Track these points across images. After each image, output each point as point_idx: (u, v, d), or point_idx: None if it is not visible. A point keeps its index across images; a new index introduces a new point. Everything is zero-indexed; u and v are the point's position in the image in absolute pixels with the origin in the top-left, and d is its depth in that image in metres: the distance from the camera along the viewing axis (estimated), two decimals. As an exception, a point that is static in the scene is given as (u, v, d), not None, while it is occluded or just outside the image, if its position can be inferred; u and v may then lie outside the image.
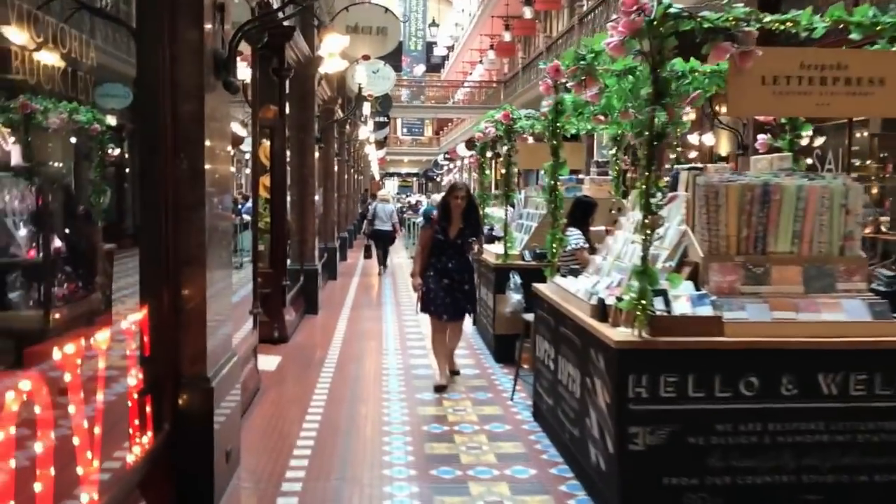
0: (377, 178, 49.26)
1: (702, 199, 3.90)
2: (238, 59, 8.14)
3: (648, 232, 3.53)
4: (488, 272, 7.61)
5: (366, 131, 15.42)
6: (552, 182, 5.25)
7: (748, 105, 3.79)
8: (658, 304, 3.61)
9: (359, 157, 25.54)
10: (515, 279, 7.04)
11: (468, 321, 8.79)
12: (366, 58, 11.57)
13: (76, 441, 2.56)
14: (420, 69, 48.53)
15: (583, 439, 4.16)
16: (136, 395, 3.28)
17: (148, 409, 3.46)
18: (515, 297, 7.00)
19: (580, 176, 7.86)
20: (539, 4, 24.43)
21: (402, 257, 19.47)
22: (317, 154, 9.99)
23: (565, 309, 4.48)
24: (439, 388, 6.17)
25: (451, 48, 49.42)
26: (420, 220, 17.67)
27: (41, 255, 3.15)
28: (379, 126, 22.21)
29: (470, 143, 34.91)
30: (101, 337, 2.79)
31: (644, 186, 3.54)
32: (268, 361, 7.15)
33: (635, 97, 5.21)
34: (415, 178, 64.49)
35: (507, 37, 29.00)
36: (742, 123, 10.61)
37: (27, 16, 3.18)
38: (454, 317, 6.39)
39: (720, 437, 3.57)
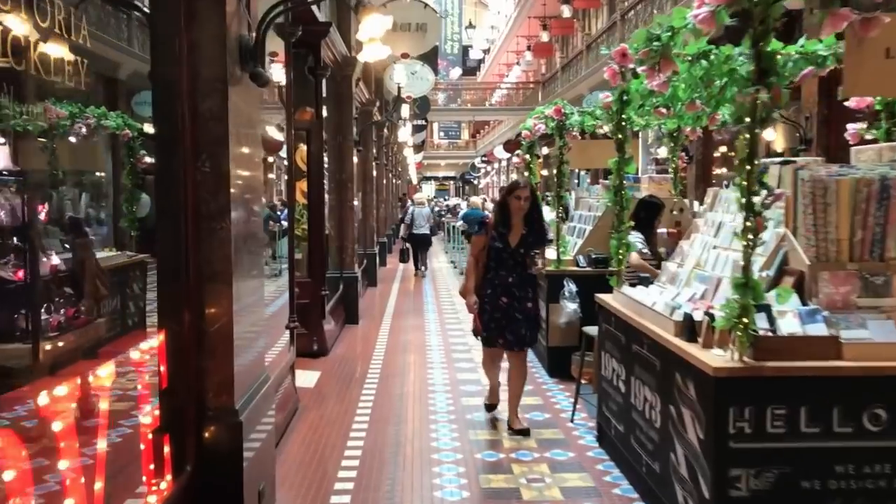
0: (414, 181, 48.94)
1: (807, 197, 3.31)
2: (272, 59, 7.79)
3: (751, 237, 2.96)
4: (540, 279, 7.05)
5: (405, 134, 14.94)
6: (617, 181, 4.69)
7: (869, 83, 3.20)
8: (760, 321, 3.04)
9: (397, 160, 25.15)
10: (570, 287, 6.48)
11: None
12: (405, 56, 11.13)
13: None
14: (456, 72, 48.05)
15: (665, 476, 3.59)
16: (151, 435, 2.82)
17: (166, 449, 3.00)
18: (571, 307, 6.45)
19: (638, 175, 7.28)
20: (578, 3, 23.76)
21: (441, 262, 19.00)
22: (355, 158, 9.56)
23: (639, 324, 3.92)
24: (490, 407, 5.58)
25: (486, 51, 48.85)
26: (459, 223, 17.16)
27: (28, 273, 2.72)
28: (417, 129, 21.78)
29: (510, 145, 34.30)
30: (105, 372, 2.33)
31: (744, 183, 2.98)
32: (306, 377, 6.70)
33: (706, 85, 4.65)
34: (452, 182, 64.09)
35: (544, 37, 28.37)
36: (805, 117, 9.91)
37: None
38: (513, 345, 5.16)
39: (840, 482, 2.99)
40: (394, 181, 28.40)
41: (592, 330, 5.25)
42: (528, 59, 32.31)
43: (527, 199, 5.14)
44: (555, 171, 6.79)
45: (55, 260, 2.91)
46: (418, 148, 30.27)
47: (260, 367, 3.82)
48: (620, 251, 4.69)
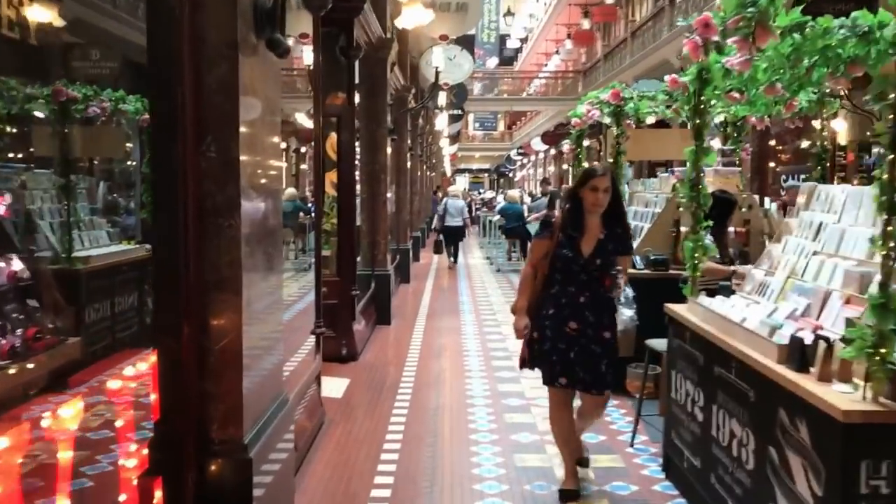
0: (448, 174, 48.32)
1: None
2: (300, 41, 7.24)
3: (894, 244, 2.32)
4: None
5: (441, 122, 14.38)
6: (694, 174, 4.05)
7: None
8: (899, 351, 2.40)
9: (432, 152, 24.59)
10: (626, 291, 5.86)
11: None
12: (444, 38, 10.55)
13: None
14: (493, 62, 47.24)
15: (760, 531, 2.97)
16: (137, 481, 2.29)
17: (159, 493, 2.47)
18: (627, 313, 5.81)
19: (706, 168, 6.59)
20: (621, -12, 22.97)
21: (476, 257, 18.39)
22: (389, 148, 9.00)
23: (725, 344, 3.29)
24: (567, 495, 3.95)
25: (524, 40, 47.96)
26: (496, 217, 16.54)
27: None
28: (453, 119, 21.17)
29: (548, 137, 33.52)
30: (69, 412, 1.79)
31: (886, 175, 2.34)
32: (334, 386, 6.16)
33: (792, 65, 3.99)
34: (486, 174, 63.39)
35: (585, 24, 27.56)
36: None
37: None
38: (590, 387, 3.92)
39: None
40: (428, 173, 27.86)
41: (659, 344, 4.62)
42: (567, 48, 31.48)
43: (606, 191, 3.80)
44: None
45: (16, 265, 2.36)
46: (453, 139, 29.68)
47: (276, 387, 3.27)
48: (696, 255, 4.05)
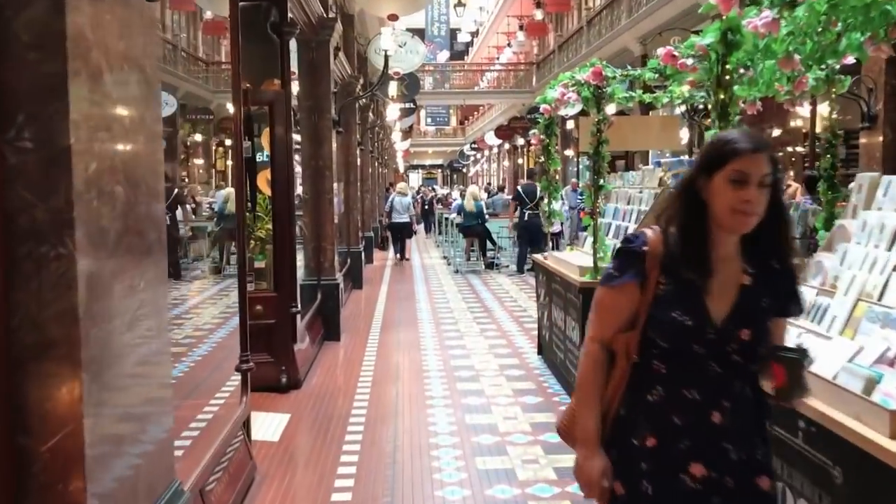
0: (401, 170, 47.27)
1: None
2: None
3: None
4: (571, 294, 5.56)
5: (392, 113, 13.30)
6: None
7: None
8: None
9: (383, 147, 23.55)
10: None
11: (529, 347, 7.01)
12: (393, 18, 9.54)
13: None
14: (444, 56, 46.29)
15: None
16: None
17: None
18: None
19: (691, 158, 5.78)
20: (575, -24, 22.25)
21: (433, 257, 17.45)
22: (334, 141, 8.00)
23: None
24: None
25: (475, 34, 47.13)
26: (453, 215, 15.65)
27: None
28: (405, 113, 20.17)
29: (501, 131, 32.76)
30: None
31: None
32: (270, 425, 5.16)
33: (823, 28, 3.15)
34: (439, 170, 62.53)
35: (538, 15, 26.85)
36: (868, 88, 8.44)
37: None
38: None
39: None
40: (380, 169, 26.79)
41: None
42: (520, 40, 30.74)
43: (765, 184, 1.78)
44: (590, 154, 5.24)
45: None
46: (406, 134, 28.68)
47: (160, 478, 2.28)
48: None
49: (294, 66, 7.82)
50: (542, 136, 6.95)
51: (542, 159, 7.04)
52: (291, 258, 6.05)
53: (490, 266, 14.38)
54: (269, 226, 5.95)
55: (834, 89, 5.11)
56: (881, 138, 8.40)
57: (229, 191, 14.91)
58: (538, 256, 6.98)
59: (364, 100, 12.23)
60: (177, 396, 5.68)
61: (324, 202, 7.82)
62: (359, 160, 12.74)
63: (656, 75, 5.01)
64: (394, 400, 5.89)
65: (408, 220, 15.81)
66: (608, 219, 6.13)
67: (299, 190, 8.21)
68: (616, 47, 16.46)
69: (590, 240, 6.24)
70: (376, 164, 20.23)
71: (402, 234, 15.95)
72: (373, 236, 16.58)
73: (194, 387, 6.16)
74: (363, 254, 12.31)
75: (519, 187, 13.63)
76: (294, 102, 7.37)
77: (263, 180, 6.10)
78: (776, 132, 12.55)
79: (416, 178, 58.68)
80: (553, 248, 14.24)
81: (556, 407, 5.51)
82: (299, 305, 6.37)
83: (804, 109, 11.34)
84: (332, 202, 7.87)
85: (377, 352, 7.52)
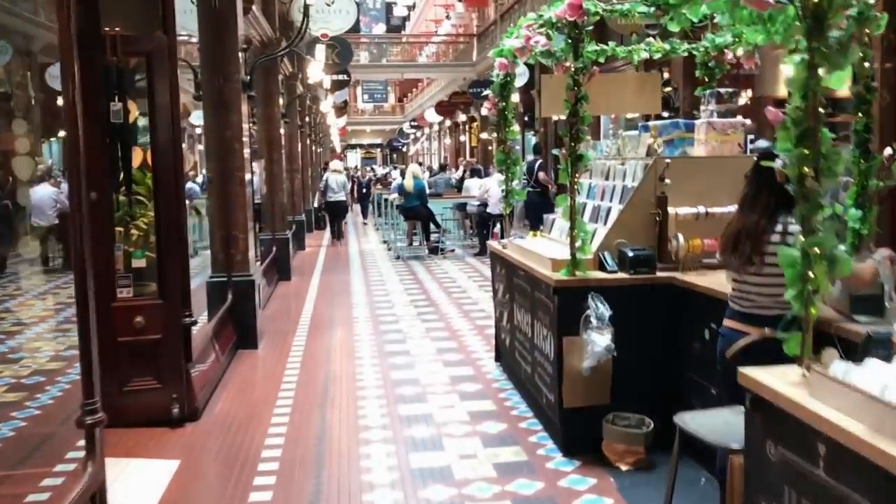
0: (338, 149, 45.50)
1: None
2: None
3: None
4: (541, 294, 4.37)
5: (316, 71, 11.69)
6: (809, 117, 1.99)
7: None
8: None
9: (315, 122, 21.99)
10: (598, 307, 3.87)
11: (473, 335, 5.35)
12: (324, 36, 8.31)
13: None
14: (380, 30, 44.64)
15: None
16: None
17: None
18: (600, 342, 3.88)
19: (696, 121, 4.60)
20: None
21: (371, 242, 16.12)
22: (245, 107, 6.60)
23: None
24: None
25: (412, 7, 45.52)
26: (393, 196, 14.32)
27: None
28: (337, 86, 18.65)
29: (442, 107, 31.28)
30: None
31: None
32: (147, 483, 3.86)
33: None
34: (378, 150, 60.85)
35: (478, -17, 25.54)
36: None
37: None
38: None
39: None
40: (314, 148, 25.20)
41: (696, 422, 2.58)
42: (459, 12, 29.48)
43: None
44: (566, 116, 4.02)
45: None
46: (340, 110, 27.11)
47: None
48: (820, 268, 2.00)
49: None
50: (496, 99, 5.73)
51: (496, 129, 5.83)
52: (182, 255, 4.69)
53: (434, 251, 13.17)
54: (150, 215, 4.59)
55: (868, 30, 4.03)
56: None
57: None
58: (495, 244, 5.78)
59: (283, 61, 10.69)
60: (6, 462, 4.27)
61: (233, 182, 6.44)
62: (283, 136, 11.31)
63: (652, 9, 3.83)
64: (318, 432, 4.62)
65: (344, 198, 15.64)
66: (582, 198, 4.98)
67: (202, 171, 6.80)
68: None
69: (558, 223, 5.08)
70: (308, 141, 18.71)
71: (339, 213, 15.83)
72: (304, 220, 15.14)
73: (34, 447, 4.68)
74: (291, 241, 10.92)
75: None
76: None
77: (137, 157, 4.74)
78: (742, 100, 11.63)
79: (354, 158, 56.95)
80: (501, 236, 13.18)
81: (525, 437, 4.35)
82: (196, 313, 5.04)
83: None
84: (244, 182, 6.50)
85: (301, 363, 6.23)
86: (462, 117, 30.78)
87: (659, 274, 4.08)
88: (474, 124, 29.73)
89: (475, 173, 15.67)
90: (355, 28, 34.77)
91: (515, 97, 6.78)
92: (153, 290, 4.63)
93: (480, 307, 8.24)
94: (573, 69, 3.97)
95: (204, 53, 6.52)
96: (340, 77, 18.04)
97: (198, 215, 12.44)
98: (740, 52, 4.94)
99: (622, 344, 3.85)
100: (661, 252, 4.18)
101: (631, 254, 4.10)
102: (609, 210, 4.50)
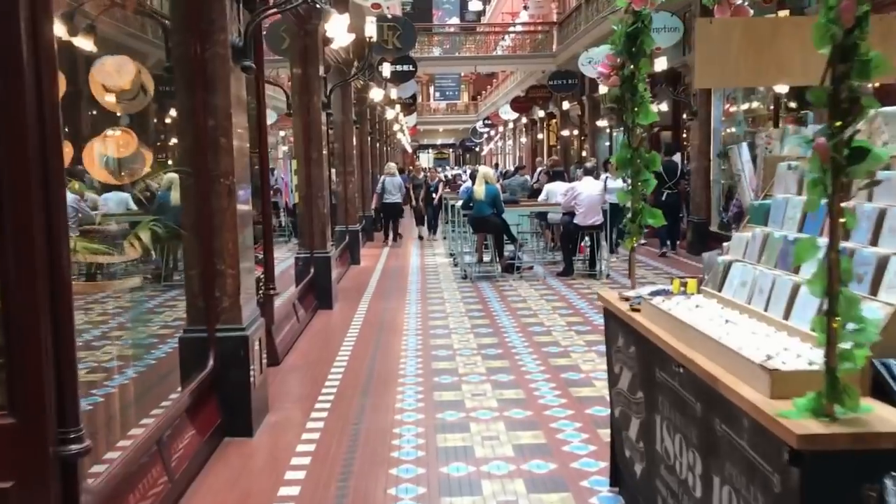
0: (409, 150, 43.72)
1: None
2: None
3: None
4: (737, 435, 2.08)
5: (380, 92, 10.07)
6: None
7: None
8: None
9: (379, 120, 20.07)
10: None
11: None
12: (376, 6, 7.56)
13: None
14: (453, 28, 42.62)
15: None
16: None
17: None
18: None
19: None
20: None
21: (438, 254, 13.97)
22: (234, 84, 4.56)
23: None
24: None
25: (486, 1, 43.33)
26: (459, 203, 12.03)
27: None
28: (400, 77, 16.48)
29: (519, 103, 28.63)
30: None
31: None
32: None
33: None
34: (451, 150, 58.92)
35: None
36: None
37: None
38: None
39: None
40: (382, 148, 23.40)
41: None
42: (537, 1, 27.13)
43: None
44: (828, 57, 1.79)
45: None
46: (407, 108, 25.12)
47: None
48: None
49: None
50: (619, 59, 3.47)
51: (615, 111, 3.56)
52: (65, 343, 2.61)
53: (509, 269, 10.94)
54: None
55: None
56: None
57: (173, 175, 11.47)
58: (615, 300, 3.47)
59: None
60: None
61: (216, 193, 4.39)
62: (327, 131, 9.30)
63: None
64: None
65: (400, 200, 15.58)
66: (812, 229, 2.68)
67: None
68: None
69: (739, 272, 2.78)
70: (367, 138, 16.79)
71: (395, 215, 15.74)
72: (358, 230, 13.14)
73: None
74: (332, 258, 8.88)
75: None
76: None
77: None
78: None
79: (426, 159, 55.25)
80: (590, 258, 10.85)
81: None
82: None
83: None
84: (232, 193, 4.43)
85: (308, 471, 4.11)
86: (540, 113, 28.41)
87: None
88: (553, 121, 27.31)
89: (557, 176, 13.30)
90: (427, 22, 32.69)
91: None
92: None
93: (573, 362, 5.99)
94: None
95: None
96: (404, 68, 15.98)
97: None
98: None
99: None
100: None
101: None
102: (886, 261, 2.19)
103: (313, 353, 6.76)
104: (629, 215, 3.58)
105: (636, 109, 3.43)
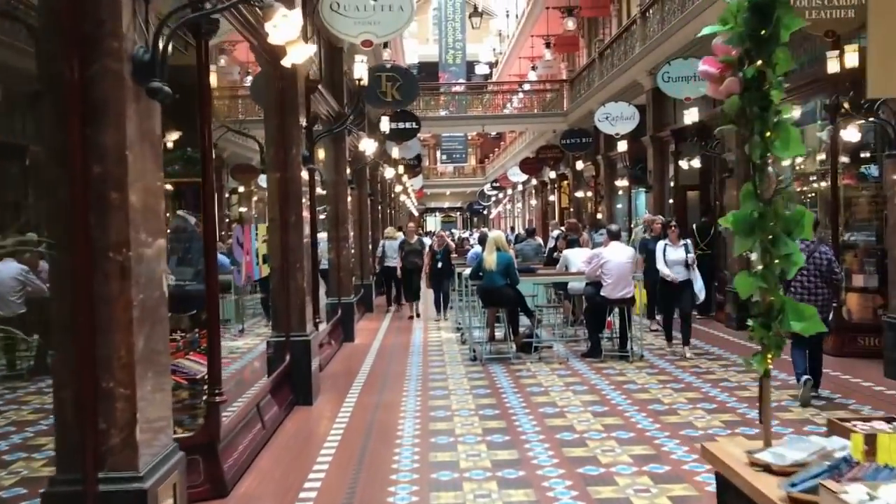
0: (415, 213, 42.58)
1: None
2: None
3: None
4: None
5: (372, 144, 8.85)
6: None
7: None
8: None
9: (380, 182, 18.84)
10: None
11: None
12: (367, 45, 6.42)
13: None
14: (459, 87, 41.98)
15: None
16: None
17: None
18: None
19: None
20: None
21: (445, 329, 12.39)
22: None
23: None
24: None
25: (493, 65, 42.73)
26: (467, 270, 10.45)
27: None
28: (400, 135, 15.19)
29: (527, 164, 27.44)
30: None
31: None
32: None
33: None
34: (458, 213, 57.89)
35: (570, 24, 22.17)
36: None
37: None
38: None
39: None
40: (389, 212, 22.15)
41: None
42: (547, 59, 26.18)
43: None
44: None
45: None
46: (410, 169, 23.94)
47: None
48: None
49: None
50: (735, 51, 2.04)
51: (740, 127, 2.11)
52: None
53: (525, 349, 9.38)
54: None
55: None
56: None
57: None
58: (776, 498, 1.94)
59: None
60: None
61: (102, 274, 2.93)
62: (310, 190, 7.90)
63: None
64: None
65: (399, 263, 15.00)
66: None
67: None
68: (695, 29, 11.58)
69: None
70: (368, 200, 15.47)
71: (395, 278, 15.21)
72: (353, 302, 11.65)
73: None
74: (313, 342, 7.34)
75: (694, 225, 12.26)
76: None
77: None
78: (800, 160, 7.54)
79: (433, 222, 54.18)
80: (619, 336, 9.23)
81: None
82: None
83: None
84: (126, 273, 2.97)
85: None
86: (551, 174, 27.19)
87: None
88: (564, 182, 26.03)
89: (573, 243, 11.66)
90: (434, 84, 31.89)
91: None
92: None
93: (611, 482, 4.40)
94: None
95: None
96: (406, 125, 14.74)
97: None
98: None
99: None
100: None
101: None
102: None
103: (277, 472, 5.18)
104: (756, 312, 2.09)
105: (769, 133, 1.98)
